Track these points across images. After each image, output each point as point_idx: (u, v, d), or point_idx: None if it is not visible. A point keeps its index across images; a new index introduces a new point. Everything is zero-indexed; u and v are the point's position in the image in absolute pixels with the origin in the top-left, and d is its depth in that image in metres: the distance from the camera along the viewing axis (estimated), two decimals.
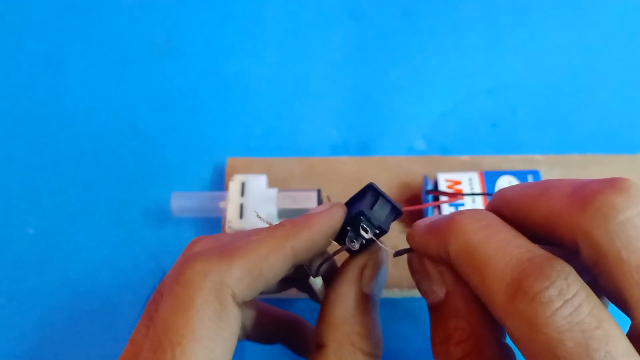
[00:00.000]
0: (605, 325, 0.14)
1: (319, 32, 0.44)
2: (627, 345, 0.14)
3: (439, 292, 0.20)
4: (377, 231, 0.22)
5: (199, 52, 0.43)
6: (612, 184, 0.16)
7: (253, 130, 0.41)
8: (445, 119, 0.41)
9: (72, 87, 0.42)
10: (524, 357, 0.16)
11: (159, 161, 0.40)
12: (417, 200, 0.37)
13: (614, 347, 0.14)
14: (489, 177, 0.35)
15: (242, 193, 0.35)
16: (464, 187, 0.34)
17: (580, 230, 0.16)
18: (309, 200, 0.34)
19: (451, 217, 0.19)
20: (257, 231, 0.21)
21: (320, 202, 0.35)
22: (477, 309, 0.19)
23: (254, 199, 0.34)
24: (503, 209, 0.19)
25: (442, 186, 0.34)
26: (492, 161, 0.38)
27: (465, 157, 0.38)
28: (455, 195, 0.33)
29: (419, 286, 0.21)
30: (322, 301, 0.22)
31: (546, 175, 0.37)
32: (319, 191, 0.35)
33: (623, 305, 0.16)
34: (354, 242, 0.22)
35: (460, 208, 0.34)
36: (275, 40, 0.44)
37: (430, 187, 0.35)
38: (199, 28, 0.44)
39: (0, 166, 0.40)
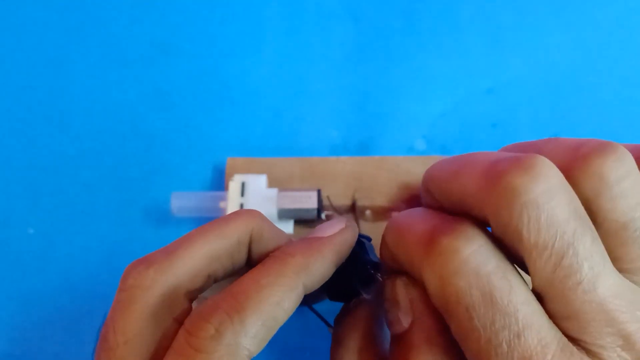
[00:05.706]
0: (509, 276, 0.16)
1: (319, 32, 0.44)
2: (527, 294, 0.16)
3: (404, 321, 0.19)
4: (379, 272, 0.21)
5: (199, 52, 0.43)
6: (517, 163, 0.16)
7: (253, 130, 0.41)
8: (445, 119, 0.41)
9: (72, 87, 0.42)
10: (441, 313, 0.17)
11: (159, 161, 0.40)
12: (417, 200, 0.36)
13: (515, 296, 0.15)
14: None
15: (242, 193, 0.35)
16: None
17: (488, 210, 0.16)
18: (308, 200, 0.34)
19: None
20: (265, 271, 0.18)
21: (320, 202, 0.35)
22: (440, 344, 0.18)
23: (254, 199, 0.34)
24: (429, 185, 0.20)
25: None
26: None
27: None
28: None
29: (386, 316, 0.20)
30: (331, 349, 0.22)
31: None
32: (319, 191, 0.35)
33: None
34: (368, 292, 0.21)
35: None
36: (275, 40, 0.44)
37: None
38: (199, 28, 0.44)
39: (0, 166, 0.40)
